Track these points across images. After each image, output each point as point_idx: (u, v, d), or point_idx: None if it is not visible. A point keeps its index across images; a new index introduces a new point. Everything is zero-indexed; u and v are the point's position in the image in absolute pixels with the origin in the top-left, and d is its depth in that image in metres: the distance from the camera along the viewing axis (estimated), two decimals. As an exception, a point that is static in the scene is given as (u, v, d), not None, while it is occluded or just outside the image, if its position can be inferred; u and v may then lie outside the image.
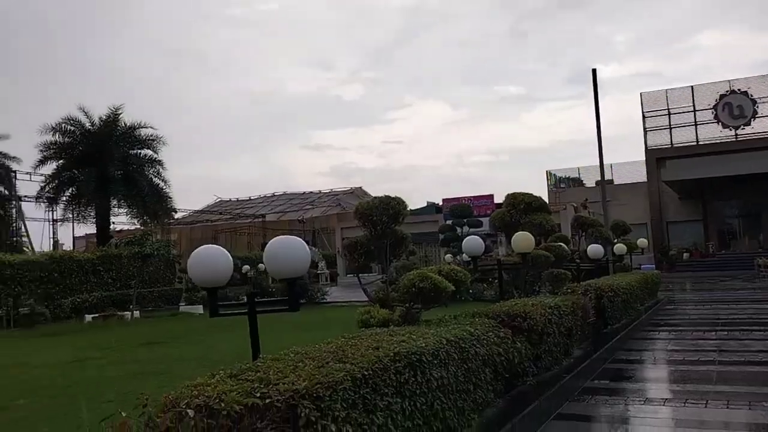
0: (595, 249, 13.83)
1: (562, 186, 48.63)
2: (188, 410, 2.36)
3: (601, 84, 21.20)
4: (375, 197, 6.46)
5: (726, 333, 11.28)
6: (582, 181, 49.27)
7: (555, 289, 10.69)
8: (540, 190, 46.51)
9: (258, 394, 2.70)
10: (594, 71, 21.05)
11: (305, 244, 3.81)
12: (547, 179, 49.15)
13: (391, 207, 6.28)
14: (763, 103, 39.02)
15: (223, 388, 2.74)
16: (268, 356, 3.53)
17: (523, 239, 8.68)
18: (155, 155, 29.92)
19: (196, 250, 3.86)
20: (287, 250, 3.68)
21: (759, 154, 35.29)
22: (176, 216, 46.43)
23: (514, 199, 12.09)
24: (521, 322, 6.07)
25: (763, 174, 34.26)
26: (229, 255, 3.87)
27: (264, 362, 3.36)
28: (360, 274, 7.26)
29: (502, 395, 5.46)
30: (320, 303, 21.72)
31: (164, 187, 30.07)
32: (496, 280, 13.02)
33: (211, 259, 3.75)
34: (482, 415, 4.82)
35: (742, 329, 11.65)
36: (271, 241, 3.82)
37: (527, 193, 12.13)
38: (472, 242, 8.74)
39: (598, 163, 22.29)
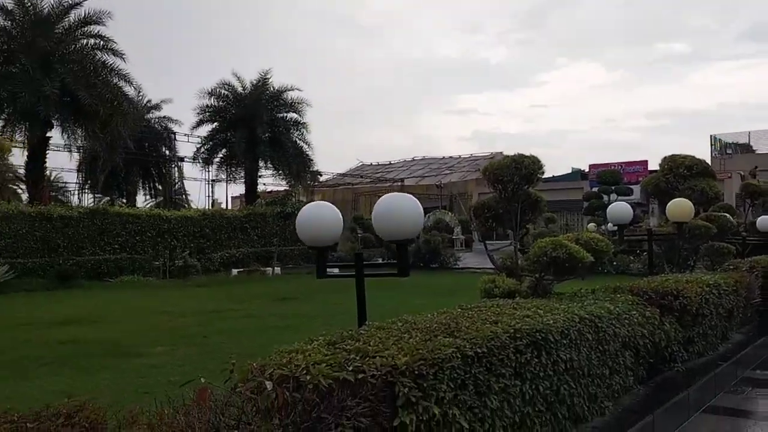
0: (765, 221, 12.16)
1: (728, 152, 43.97)
2: (267, 382, 2.12)
3: None
4: (506, 156, 5.90)
5: None
6: (752, 147, 44.21)
7: (715, 265, 9.49)
8: (703, 157, 42.45)
9: (351, 368, 2.40)
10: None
11: (417, 203, 3.43)
12: (711, 144, 44.60)
13: (525, 166, 5.69)
14: None
15: (315, 357, 2.48)
16: (374, 323, 3.24)
17: (680, 207, 7.71)
18: (300, 118, 30.88)
19: (303, 208, 3.62)
20: (397, 211, 3.33)
21: None
22: (321, 178, 48.19)
23: (672, 162, 10.78)
24: (672, 301, 5.31)
25: None
26: (338, 212, 3.61)
27: (368, 330, 3.08)
28: (491, 241, 6.77)
29: (644, 382, 4.81)
30: (452, 268, 21.39)
31: (307, 150, 31.03)
32: (645, 253, 11.87)
33: (317, 217, 3.50)
34: (619, 402, 4.25)
35: None
36: (381, 199, 3.49)
37: (688, 156, 10.79)
38: (619, 208, 7.93)
39: (773, 126, 19.57)
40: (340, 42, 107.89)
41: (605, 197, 30.07)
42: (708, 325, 5.96)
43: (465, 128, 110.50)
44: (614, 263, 15.88)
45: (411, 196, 3.50)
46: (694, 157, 10.97)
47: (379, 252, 22.64)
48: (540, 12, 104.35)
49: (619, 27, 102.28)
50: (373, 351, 2.62)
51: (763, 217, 12.60)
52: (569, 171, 47.78)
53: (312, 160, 31.49)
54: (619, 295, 5.08)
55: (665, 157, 11.09)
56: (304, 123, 30.94)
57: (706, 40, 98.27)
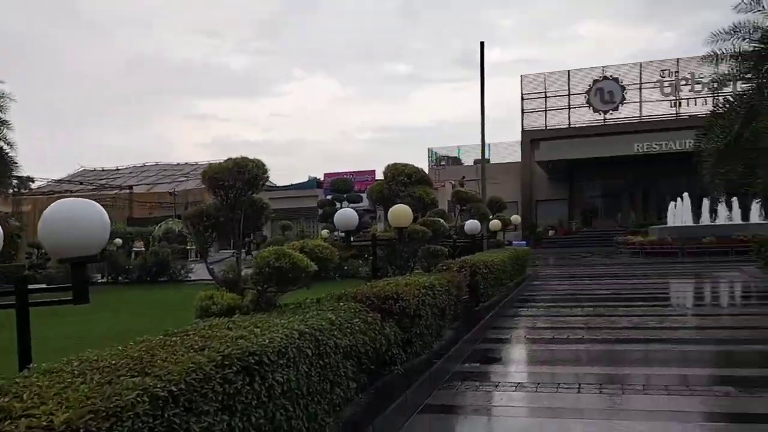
0: (471, 225, 13.65)
1: (442, 164, 49.39)
2: None
3: (486, 66, 21.24)
4: (229, 158, 5.47)
5: (591, 309, 11.46)
6: (461, 159, 50.33)
7: (430, 266, 10.26)
8: (422, 168, 47.07)
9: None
10: (482, 44, 21.01)
11: (101, 209, 2.80)
12: (429, 157, 49.70)
13: (248, 170, 5.31)
14: (631, 89, 41.50)
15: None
16: (42, 366, 2.56)
17: (401, 213, 8.10)
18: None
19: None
20: (70, 220, 2.68)
21: (621, 138, 37.57)
22: (32, 185, 41.95)
23: (394, 170, 11.43)
24: (392, 305, 5.45)
25: (623, 157, 36.49)
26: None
27: (28, 377, 2.40)
28: (221, 250, 6.33)
29: (366, 389, 4.80)
30: (184, 281, 20.18)
31: (9, 151, 26.67)
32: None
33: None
34: (339, 416, 4.13)
35: (606, 305, 11.91)
36: (50, 207, 2.78)
37: (409, 164, 11.53)
38: (344, 215, 8.05)
39: (477, 142, 22.45)
40: (60, 34, 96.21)
41: (338, 204, 31.34)
42: (425, 325, 6.27)
43: (204, 134, 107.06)
44: (346, 268, 16.43)
45: (93, 201, 2.86)
46: (413, 166, 11.77)
47: (98, 267, 20.35)
48: (277, 23, 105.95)
49: (351, 45, 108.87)
50: (21, 409, 2.00)
51: (469, 221, 14.15)
52: (307, 179, 49.11)
53: (16, 163, 27.14)
54: (342, 303, 5.02)
55: (388, 166, 11.71)
56: (4, 120, 26.55)
57: (425, 62, 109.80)
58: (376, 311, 5.19)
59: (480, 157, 28.31)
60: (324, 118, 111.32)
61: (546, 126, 43.38)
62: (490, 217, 19.52)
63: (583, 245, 36.99)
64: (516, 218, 20.98)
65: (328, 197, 35.57)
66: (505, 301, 12.21)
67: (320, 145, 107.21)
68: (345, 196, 33.07)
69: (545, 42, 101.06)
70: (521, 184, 43.30)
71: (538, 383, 6.25)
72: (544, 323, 10.44)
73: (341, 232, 11.61)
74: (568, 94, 42.93)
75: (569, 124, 42.81)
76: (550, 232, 40.87)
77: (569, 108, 42.96)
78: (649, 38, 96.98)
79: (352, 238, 9.52)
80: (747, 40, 14.23)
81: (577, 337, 8.77)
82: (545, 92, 43.42)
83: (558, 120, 43.32)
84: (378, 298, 5.40)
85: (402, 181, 11.33)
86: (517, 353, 8.20)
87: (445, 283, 7.39)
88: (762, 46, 12.36)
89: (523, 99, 44.04)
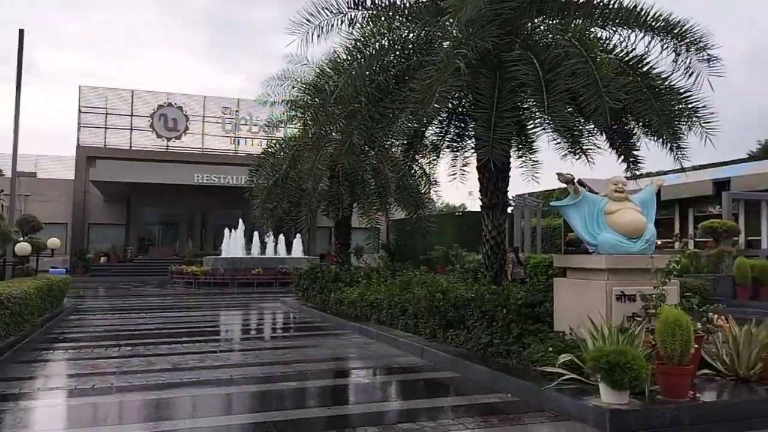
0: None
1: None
2: None
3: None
4: None
5: (131, 348, 10.26)
6: (2, 171, 42.73)
7: None
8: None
9: None
10: (21, 32, 17.57)
11: None
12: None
13: None
14: (195, 121, 41.81)
15: None
16: None
17: None
18: None
19: None
20: None
21: (183, 167, 37.41)
22: None
23: None
24: None
25: (184, 186, 36.39)
26: None
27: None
28: None
29: None
30: None
31: None
32: None
33: None
34: None
35: (148, 343, 10.86)
36: None
37: None
38: None
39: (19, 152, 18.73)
40: None
41: None
42: None
43: None
44: None
45: None
46: None
47: None
48: None
49: None
50: None
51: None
52: None
53: None
54: None
55: None
56: None
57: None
58: None
59: (19, 170, 24.06)
60: None
61: (105, 144, 40.29)
62: (20, 239, 16.44)
63: (139, 274, 35.16)
64: (54, 241, 18.09)
65: None
66: (25, 343, 10.01)
67: None
68: None
69: (113, 58, 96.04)
70: (73, 204, 38.97)
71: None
72: (70, 369, 8.78)
73: None
74: (131, 115, 40.90)
75: (131, 146, 40.68)
76: (102, 259, 37.72)
77: (132, 129, 40.90)
78: (216, 76, 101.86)
79: None
80: (296, 88, 15.42)
81: (106, 386, 7.44)
82: (106, 109, 40.43)
83: (119, 140, 40.71)
84: None
85: None
86: (20, 417, 6.35)
87: None
88: (307, 95, 13.41)
89: (80, 112, 40.03)
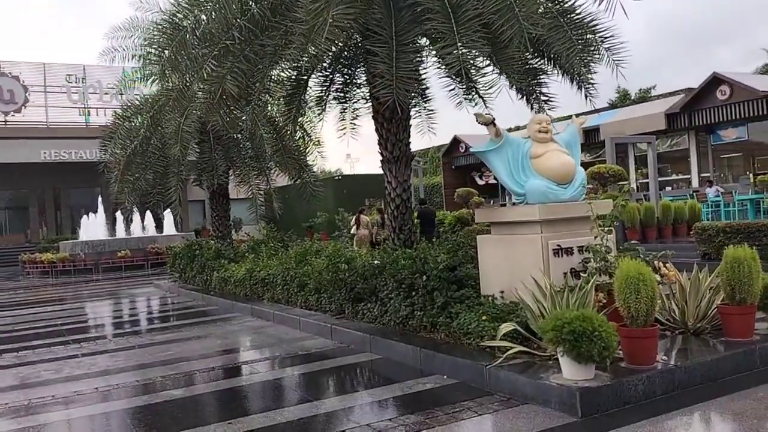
0: None
1: None
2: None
3: None
4: None
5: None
6: None
7: None
8: None
9: None
10: None
11: None
12: None
13: None
14: (36, 92, 36.79)
15: None
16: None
17: None
18: None
19: None
20: None
21: (27, 144, 33.05)
22: None
23: None
24: None
25: (31, 164, 32.22)
26: None
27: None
28: None
29: None
30: None
31: None
32: None
33: None
34: None
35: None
36: None
37: None
38: None
39: None
40: None
41: None
42: None
43: None
44: None
45: None
46: None
47: None
48: None
49: None
50: None
51: None
52: None
53: None
54: None
55: None
56: None
57: None
58: None
59: None
60: None
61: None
62: None
63: (-18, 267, 30.87)
64: None
65: None
66: None
67: None
68: None
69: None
70: None
71: None
72: None
73: None
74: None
75: (-43, 122, 35.26)
76: (-64, 255, 32.71)
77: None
78: (56, 43, 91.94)
79: None
80: (150, 32, 12.86)
81: None
82: None
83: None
84: None
85: None
86: None
87: None
88: (163, 35, 10.18)
89: None
